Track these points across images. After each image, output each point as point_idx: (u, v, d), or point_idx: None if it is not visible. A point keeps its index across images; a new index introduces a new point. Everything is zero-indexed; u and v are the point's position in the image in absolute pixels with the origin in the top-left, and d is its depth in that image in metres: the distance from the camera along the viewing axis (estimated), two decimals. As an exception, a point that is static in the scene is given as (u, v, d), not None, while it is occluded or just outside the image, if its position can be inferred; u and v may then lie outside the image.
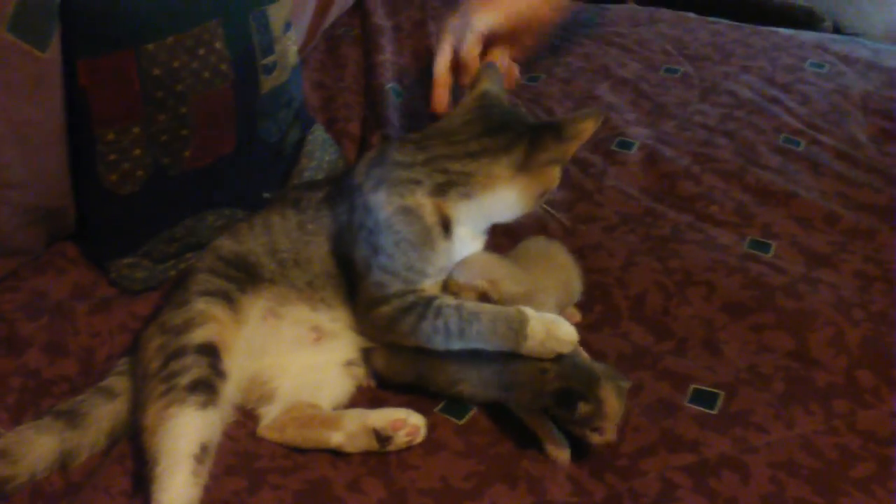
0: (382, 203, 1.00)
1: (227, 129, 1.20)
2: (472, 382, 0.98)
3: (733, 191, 1.35)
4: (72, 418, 0.96)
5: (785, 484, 0.92)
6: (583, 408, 0.89)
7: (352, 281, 1.05)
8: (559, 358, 0.92)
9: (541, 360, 0.92)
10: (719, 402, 1.02)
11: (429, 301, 0.98)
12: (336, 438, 0.94)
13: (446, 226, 1.02)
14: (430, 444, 0.96)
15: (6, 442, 0.94)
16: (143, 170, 1.14)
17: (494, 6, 1.27)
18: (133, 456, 0.93)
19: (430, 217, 1.00)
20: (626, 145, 1.46)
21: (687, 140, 1.47)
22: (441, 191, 1.01)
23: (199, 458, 0.89)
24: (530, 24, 1.31)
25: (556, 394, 0.91)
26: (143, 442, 0.91)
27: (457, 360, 0.98)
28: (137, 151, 1.12)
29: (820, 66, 1.70)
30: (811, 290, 1.16)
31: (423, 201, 1.00)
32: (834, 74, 1.67)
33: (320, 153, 1.38)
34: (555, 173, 1.04)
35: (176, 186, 1.17)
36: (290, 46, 1.30)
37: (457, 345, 0.96)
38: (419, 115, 1.56)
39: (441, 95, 1.26)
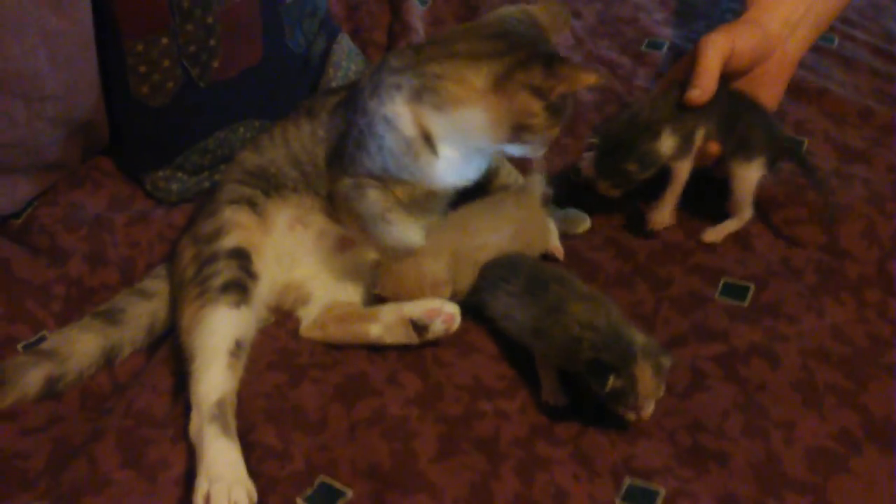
0: (371, 109, 0.99)
1: (253, 40, 1.20)
2: (517, 321, 0.96)
3: (765, 88, 1.32)
4: (111, 315, 1.01)
5: (815, 370, 0.93)
6: (614, 382, 0.84)
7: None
8: (597, 327, 0.88)
9: (578, 325, 0.89)
10: (750, 295, 1.02)
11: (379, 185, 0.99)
12: (375, 330, 0.96)
13: (429, 140, 0.98)
14: (465, 346, 0.98)
15: (52, 343, 0.99)
16: (173, 81, 1.15)
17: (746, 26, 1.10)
18: (175, 357, 0.97)
19: (409, 128, 0.98)
20: (655, 45, 1.44)
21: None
22: (416, 96, 0.97)
23: (234, 352, 0.92)
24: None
25: (589, 364, 0.86)
26: (182, 342, 0.95)
27: (513, 296, 0.96)
28: (166, 63, 1.13)
29: (856, -41, 1.64)
30: (843, 184, 1.15)
31: (401, 109, 0.97)
32: (870, -32, 1.61)
33: (346, 63, 1.38)
34: (534, 108, 0.94)
35: (206, 98, 1.18)
36: (312, -46, 1.29)
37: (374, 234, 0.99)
38: (444, 21, 1.54)
39: (708, 84, 1.06)
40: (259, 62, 1.22)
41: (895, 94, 1.30)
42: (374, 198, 0.99)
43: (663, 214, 1.08)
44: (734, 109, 1.07)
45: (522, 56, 0.95)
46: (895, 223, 1.08)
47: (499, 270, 0.99)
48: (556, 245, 1.09)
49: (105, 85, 1.16)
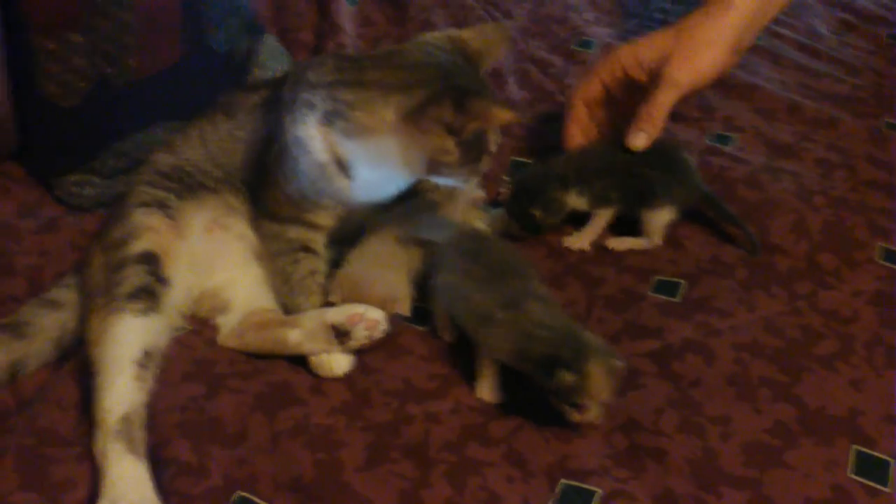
0: (286, 126, 0.95)
1: (172, 38, 1.16)
2: (469, 305, 0.91)
3: (695, 86, 1.32)
4: (15, 328, 0.95)
5: (749, 364, 0.92)
6: (564, 377, 0.81)
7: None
8: (551, 326, 0.85)
9: (531, 323, 0.86)
10: (682, 291, 1.01)
11: (298, 249, 0.98)
12: (294, 336, 0.92)
13: (342, 165, 0.94)
14: (394, 349, 0.95)
15: None
16: (86, 81, 1.09)
17: (708, 60, 1.05)
18: (83, 370, 0.91)
19: (321, 153, 0.93)
20: (586, 44, 1.43)
21: (647, 38, 1.44)
22: (328, 120, 0.92)
23: (142, 363, 0.88)
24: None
25: (540, 359, 0.83)
26: (88, 354, 0.90)
27: (472, 279, 0.92)
28: (80, 61, 1.08)
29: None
30: (773, 179, 1.15)
31: (312, 132, 0.93)
32: (794, -33, 1.64)
33: (272, 63, 1.33)
34: (446, 144, 0.89)
35: (121, 98, 1.13)
36: (235, -51, 1.25)
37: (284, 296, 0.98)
38: (373, 22, 1.51)
39: (573, 132, 1.11)
40: (178, 61, 1.17)
41: (822, 90, 1.32)
42: (302, 272, 0.98)
43: (583, 241, 1.07)
44: (633, 167, 1.06)
45: (435, 90, 0.89)
46: (824, 216, 1.09)
47: (463, 250, 0.95)
48: None
49: (12, 84, 1.10)
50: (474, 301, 0.90)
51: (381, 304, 0.93)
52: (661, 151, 1.06)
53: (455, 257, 0.95)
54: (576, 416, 0.84)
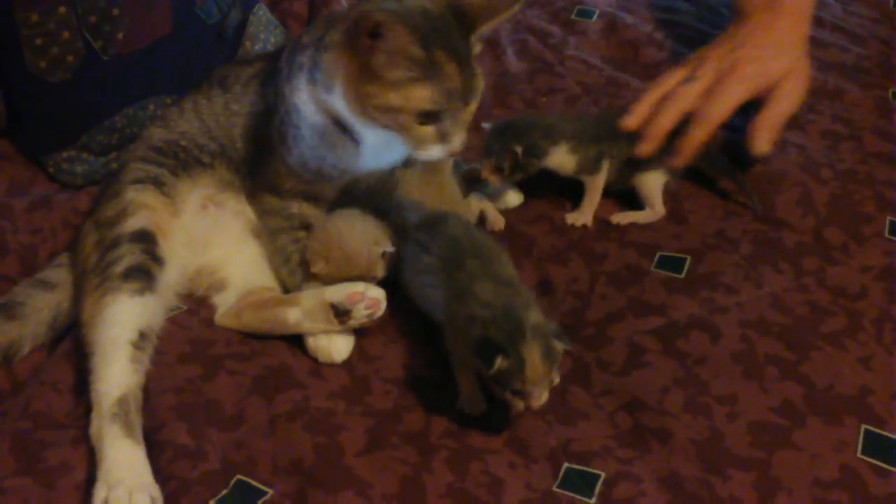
0: (285, 94, 0.93)
1: (161, 9, 1.13)
2: (432, 301, 0.89)
3: (698, 57, 1.30)
4: (8, 309, 0.93)
5: (755, 341, 0.90)
6: (500, 363, 0.77)
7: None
8: (492, 304, 0.80)
9: (478, 304, 0.81)
10: (686, 266, 0.99)
11: (299, 227, 0.96)
12: (293, 315, 0.90)
13: (343, 127, 0.90)
14: (393, 332, 0.93)
15: None
16: (74, 54, 1.06)
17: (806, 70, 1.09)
18: (78, 352, 0.90)
19: (316, 115, 0.90)
20: (585, 14, 1.40)
21: (648, 6, 1.41)
22: (312, 76, 0.89)
23: (138, 344, 0.86)
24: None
25: (477, 343, 0.79)
26: (82, 336, 0.89)
27: (429, 272, 0.90)
28: (66, 34, 1.05)
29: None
30: (778, 152, 1.12)
31: (304, 96, 0.90)
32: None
33: (265, 35, 1.31)
34: (373, 89, 0.83)
35: (111, 72, 1.10)
36: (225, -83, 1.21)
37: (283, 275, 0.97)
38: (368, -8, 1.48)
39: (640, 112, 1.06)
40: (169, 33, 1.14)
41: (827, 60, 1.29)
42: (303, 252, 0.96)
43: (583, 216, 1.06)
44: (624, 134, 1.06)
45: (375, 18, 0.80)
46: (830, 189, 1.07)
47: (420, 241, 0.92)
48: (494, 217, 1.05)
49: (-1, 59, 1.08)
50: (434, 298, 0.88)
51: (358, 251, 0.91)
52: None
53: (415, 251, 0.91)
54: (519, 405, 0.80)
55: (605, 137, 1.06)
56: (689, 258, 1.00)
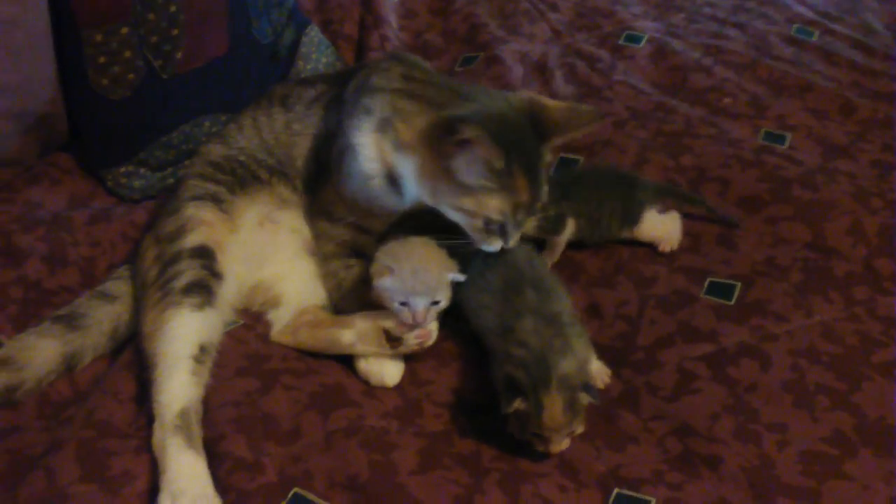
0: (346, 129, 0.95)
1: (218, 30, 1.16)
2: (486, 320, 0.91)
3: (746, 83, 1.31)
4: (71, 320, 0.96)
5: (806, 370, 0.91)
6: (516, 404, 0.80)
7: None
8: (529, 345, 0.83)
9: (515, 341, 0.84)
10: (736, 293, 1.00)
11: (351, 254, 0.99)
12: (347, 336, 0.92)
13: (393, 180, 0.93)
14: (444, 356, 0.95)
15: (8, 350, 0.93)
16: (135, 73, 1.10)
17: None
18: (139, 362, 0.92)
19: (371, 162, 0.92)
20: (634, 39, 1.41)
21: (697, 32, 1.42)
22: (382, 127, 0.91)
23: (199, 358, 0.88)
24: None
25: (502, 380, 0.83)
26: (143, 349, 0.91)
27: (486, 292, 0.92)
28: (127, 53, 1.08)
29: (832, -47, 1.63)
30: (828, 180, 1.13)
31: (365, 140, 0.92)
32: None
33: (317, 55, 1.33)
34: (448, 188, 0.88)
35: (169, 90, 1.13)
36: (280, -58, 1.24)
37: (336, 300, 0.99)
38: (416, 13, 1.50)
39: None
40: (225, 53, 1.17)
41: (876, 89, 1.29)
42: (355, 279, 0.97)
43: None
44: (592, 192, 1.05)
45: (449, 113, 0.87)
46: (881, 219, 1.07)
47: (486, 260, 0.94)
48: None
49: (63, 77, 1.11)
50: (487, 321, 0.90)
51: (427, 269, 0.90)
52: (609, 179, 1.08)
53: (480, 269, 0.93)
54: (540, 447, 0.83)
55: (566, 196, 1.03)
56: (739, 284, 1.00)
